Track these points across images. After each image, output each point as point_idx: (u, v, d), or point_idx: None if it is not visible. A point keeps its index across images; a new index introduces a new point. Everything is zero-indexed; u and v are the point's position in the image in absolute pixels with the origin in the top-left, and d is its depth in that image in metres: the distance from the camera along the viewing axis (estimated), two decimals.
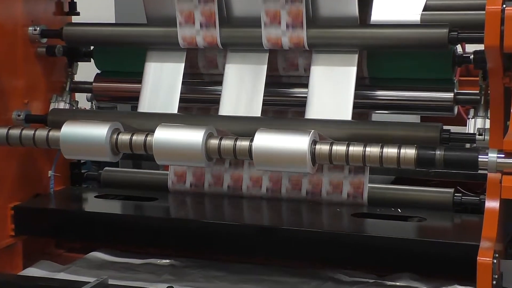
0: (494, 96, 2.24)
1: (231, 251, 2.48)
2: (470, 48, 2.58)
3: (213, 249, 2.49)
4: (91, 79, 2.92)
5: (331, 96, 2.52)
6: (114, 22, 4.50)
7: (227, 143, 2.40)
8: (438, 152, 2.28)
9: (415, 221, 2.42)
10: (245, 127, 2.50)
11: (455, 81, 2.56)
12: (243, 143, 2.39)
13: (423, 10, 3.20)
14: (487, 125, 2.37)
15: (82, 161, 2.98)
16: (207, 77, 2.79)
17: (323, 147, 2.34)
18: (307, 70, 2.60)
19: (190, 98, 2.77)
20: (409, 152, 2.29)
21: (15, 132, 2.61)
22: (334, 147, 2.34)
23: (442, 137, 2.36)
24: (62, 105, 2.86)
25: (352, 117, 2.49)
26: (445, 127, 2.39)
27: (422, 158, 2.28)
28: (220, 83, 2.66)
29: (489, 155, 2.20)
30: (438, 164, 2.28)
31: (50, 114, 2.76)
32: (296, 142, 2.33)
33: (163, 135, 2.44)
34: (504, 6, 2.06)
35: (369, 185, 2.55)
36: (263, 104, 2.58)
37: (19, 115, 2.72)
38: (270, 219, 2.62)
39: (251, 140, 2.38)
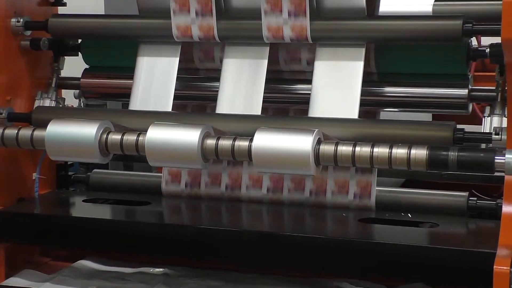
0: None
1: (229, 259, 2.48)
2: (486, 41, 2.58)
3: (209, 257, 2.49)
4: (79, 75, 2.92)
5: (336, 92, 2.52)
6: (103, 13, 4.50)
7: (225, 143, 2.40)
8: (451, 153, 2.28)
9: (427, 227, 2.42)
10: (244, 126, 2.50)
11: (469, 77, 2.55)
12: (242, 143, 2.39)
13: (435, 1, 3.20)
14: (504, 124, 2.36)
15: (69, 163, 2.97)
16: (203, 72, 2.79)
17: (327, 148, 2.34)
18: (311, 64, 2.60)
19: (185, 95, 2.77)
20: (420, 153, 2.28)
21: None
22: (340, 148, 2.34)
23: (455, 137, 2.36)
24: (47, 103, 2.85)
25: (359, 115, 2.48)
26: (458, 126, 2.39)
27: (434, 159, 2.28)
28: (217, 79, 2.66)
29: (507, 156, 2.20)
30: (451, 166, 2.28)
31: (34, 112, 2.76)
32: (298, 142, 2.33)
33: (156, 134, 2.44)
34: None
35: (377, 188, 2.55)
36: (264, 102, 2.58)
37: (1, 113, 2.71)
38: (271, 225, 2.61)
39: (251, 140, 2.38)
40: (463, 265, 2.17)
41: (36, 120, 2.71)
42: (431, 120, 3.30)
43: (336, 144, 2.34)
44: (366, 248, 2.28)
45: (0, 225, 2.62)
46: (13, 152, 2.73)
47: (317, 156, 2.34)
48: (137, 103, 2.69)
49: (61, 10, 2.96)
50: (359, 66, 2.51)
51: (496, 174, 2.28)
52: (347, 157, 2.33)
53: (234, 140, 2.40)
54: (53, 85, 2.89)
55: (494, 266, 2.02)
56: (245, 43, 2.63)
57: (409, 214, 2.49)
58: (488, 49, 2.46)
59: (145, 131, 2.46)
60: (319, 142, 2.35)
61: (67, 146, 2.52)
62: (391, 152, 2.30)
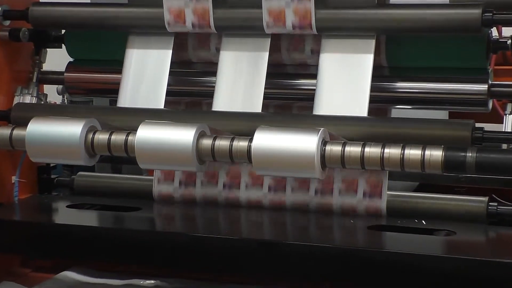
0: None
1: (227, 269, 2.48)
2: (508, 31, 2.58)
3: (205, 267, 2.49)
4: (62, 69, 2.92)
5: (344, 88, 2.53)
6: (89, 1, 4.51)
7: (222, 143, 2.41)
8: (469, 154, 2.28)
9: (443, 235, 2.42)
10: (243, 124, 2.51)
11: (489, 71, 2.56)
12: (240, 144, 2.40)
13: None
14: None
15: (51, 165, 2.97)
16: (198, 66, 2.79)
17: (334, 148, 2.35)
18: (316, 58, 2.61)
19: (178, 91, 2.78)
20: (435, 154, 2.29)
21: None
22: (347, 148, 2.34)
23: (474, 137, 2.36)
24: (28, 99, 2.85)
25: (369, 113, 2.49)
26: (477, 125, 2.39)
27: (451, 161, 2.28)
28: (213, 73, 2.66)
29: None
30: (469, 168, 2.28)
31: (14, 110, 2.76)
32: (302, 143, 2.34)
33: (147, 134, 2.44)
34: None
35: (388, 192, 2.55)
36: (264, 98, 2.58)
37: None
38: (273, 232, 2.62)
39: (250, 140, 2.38)
40: (483, 276, 2.17)
41: (15, 118, 2.71)
42: (447, 118, 3.30)
43: (344, 145, 2.34)
44: (376, 258, 2.28)
45: None
46: None
47: (323, 157, 2.34)
48: (126, 99, 2.70)
49: None
50: (369, 59, 2.52)
51: None
52: (356, 159, 2.33)
53: (232, 140, 2.41)
54: (34, 80, 2.89)
55: None
56: (244, 34, 2.63)
57: (423, 221, 2.49)
58: (510, 41, 2.46)
59: (134, 130, 2.46)
60: (325, 142, 2.36)
61: (50, 146, 2.52)
62: (403, 153, 2.30)
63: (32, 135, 2.53)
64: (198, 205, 2.71)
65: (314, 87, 2.56)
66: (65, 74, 2.91)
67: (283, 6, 2.49)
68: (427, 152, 2.29)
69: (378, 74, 2.59)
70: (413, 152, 2.30)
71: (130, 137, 2.47)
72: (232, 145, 2.40)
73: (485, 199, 2.51)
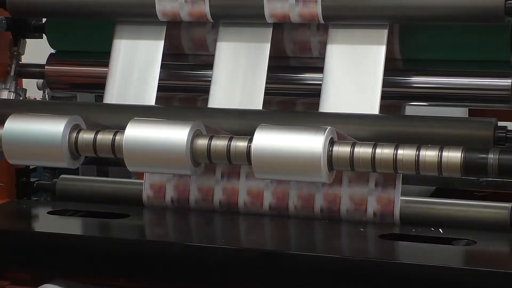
0: None
1: (225, 282, 2.48)
2: None
3: (200, 280, 2.49)
4: (43, 61, 2.92)
5: (353, 83, 2.53)
6: None
7: (219, 143, 2.41)
8: (491, 156, 2.28)
9: (462, 245, 2.42)
10: (242, 122, 2.52)
11: None
12: (239, 144, 2.40)
13: None
14: None
15: (31, 167, 2.98)
16: (193, 58, 2.80)
17: (342, 149, 2.35)
18: (322, 49, 2.61)
19: (171, 86, 2.78)
20: (454, 155, 2.29)
21: None
22: (357, 149, 2.35)
23: (496, 136, 2.37)
24: (5, 95, 2.86)
25: (380, 111, 2.49)
26: (500, 124, 2.40)
27: (471, 163, 2.28)
28: (210, 66, 2.66)
29: None
30: (491, 171, 2.28)
31: None
32: (307, 143, 2.34)
33: (137, 133, 2.45)
34: None
35: (401, 198, 2.56)
36: (266, 94, 2.59)
37: None
38: (275, 241, 2.62)
39: (250, 140, 2.38)
40: None
41: None
42: (466, 116, 3.30)
43: (353, 145, 2.35)
44: (388, 270, 2.28)
45: None
46: None
47: (330, 159, 2.34)
48: (113, 95, 2.70)
49: None
50: (381, 51, 2.52)
51: None
52: (366, 161, 2.33)
53: (230, 140, 2.41)
54: (12, 73, 2.89)
55: None
56: (243, 23, 2.64)
57: (440, 230, 2.50)
58: None
59: (123, 128, 2.46)
60: (332, 142, 2.36)
61: (29, 147, 2.52)
62: (418, 155, 2.31)
63: (9, 134, 2.53)
64: (192, 204, 2.70)
65: (320, 82, 2.56)
66: (46, 67, 2.92)
67: None
68: (445, 154, 2.29)
69: (391, 67, 2.59)
70: (429, 154, 2.30)
71: (117, 137, 2.48)
72: (230, 145, 2.40)
73: (509, 205, 2.52)
